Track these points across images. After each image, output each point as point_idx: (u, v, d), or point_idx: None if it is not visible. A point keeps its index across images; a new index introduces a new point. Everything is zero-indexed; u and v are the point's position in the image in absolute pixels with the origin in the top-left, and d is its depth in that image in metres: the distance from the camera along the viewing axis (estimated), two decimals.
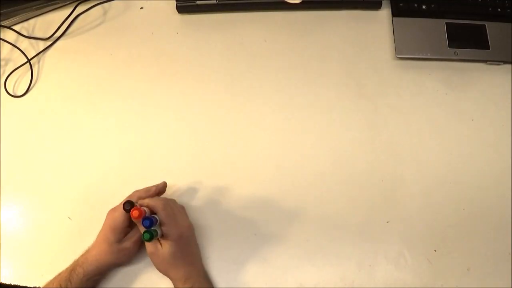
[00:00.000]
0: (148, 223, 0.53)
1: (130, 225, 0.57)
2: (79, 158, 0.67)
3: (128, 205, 0.54)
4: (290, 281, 0.59)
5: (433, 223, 0.62)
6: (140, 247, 0.59)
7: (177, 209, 0.58)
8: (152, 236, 0.53)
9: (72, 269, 0.54)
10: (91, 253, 0.55)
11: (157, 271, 0.57)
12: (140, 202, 0.56)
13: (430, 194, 0.64)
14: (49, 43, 0.76)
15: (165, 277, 0.58)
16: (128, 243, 0.57)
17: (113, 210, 0.57)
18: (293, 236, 0.62)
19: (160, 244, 0.55)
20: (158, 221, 0.55)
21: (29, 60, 0.74)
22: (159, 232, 0.54)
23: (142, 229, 0.54)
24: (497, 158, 0.67)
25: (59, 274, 0.54)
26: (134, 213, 0.53)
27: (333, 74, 0.73)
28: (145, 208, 0.54)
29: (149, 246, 0.55)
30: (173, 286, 0.57)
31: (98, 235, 0.57)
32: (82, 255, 0.56)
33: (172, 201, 0.59)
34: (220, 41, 0.76)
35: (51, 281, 0.54)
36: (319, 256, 0.60)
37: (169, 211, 0.55)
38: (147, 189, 0.59)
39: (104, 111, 0.71)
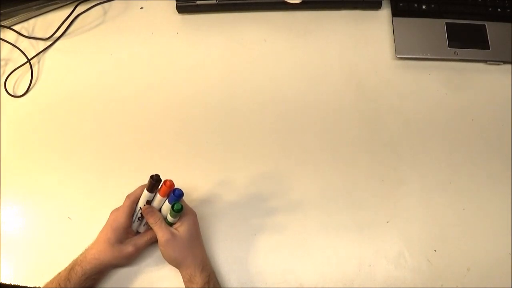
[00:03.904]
0: (181, 192, 0.53)
1: (130, 226, 0.57)
2: (79, 158, 0.67)
3: (157, 176, 0.53)
4: (290, 281, 0.59)
5: (433, 223, 0.62)
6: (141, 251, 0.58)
7: None
8: (182, 207, 0.52)
9: (71, 268, 0.54)
10: (90, 252, 0.55)
11: (156, 271, 0.57)
12: None
13: (430, 194, 0.64)
14: (49, 43, 0.76)
15: (165, 277, 0.58)
16: (131, 247, 0.56)
17: (115, 210, 0.57)
18: (293, 236, 0.62)
19: (175, 229, 0.55)
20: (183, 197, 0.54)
21: (29, 60, 0.74)
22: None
23: (150, 217, 0.54)
24: (497, 158, 0.67)
25: (59, 274, 0.54)
26: (169, 181, 0.53)
27: (333, 74, 0.73)
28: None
29: (164, 233, 0.54)
30: (173, 286, 0.57)
31: (99, 234, 0.57)
32: (81, 254, 0.56)
33: None
34: (220, 41, 0.76)
35: (51, 281, 0.54)
36: (319, 256, 0.60)
37: None
38: None
39: (104, 111, 0.71)
